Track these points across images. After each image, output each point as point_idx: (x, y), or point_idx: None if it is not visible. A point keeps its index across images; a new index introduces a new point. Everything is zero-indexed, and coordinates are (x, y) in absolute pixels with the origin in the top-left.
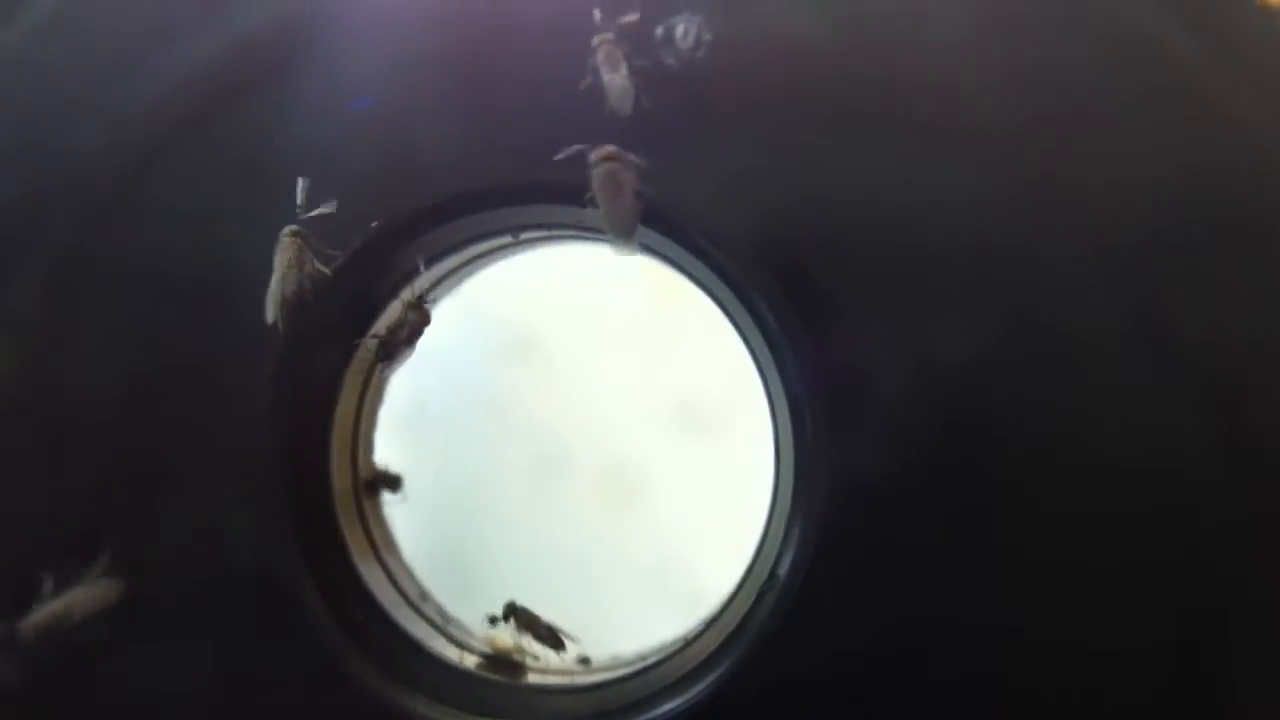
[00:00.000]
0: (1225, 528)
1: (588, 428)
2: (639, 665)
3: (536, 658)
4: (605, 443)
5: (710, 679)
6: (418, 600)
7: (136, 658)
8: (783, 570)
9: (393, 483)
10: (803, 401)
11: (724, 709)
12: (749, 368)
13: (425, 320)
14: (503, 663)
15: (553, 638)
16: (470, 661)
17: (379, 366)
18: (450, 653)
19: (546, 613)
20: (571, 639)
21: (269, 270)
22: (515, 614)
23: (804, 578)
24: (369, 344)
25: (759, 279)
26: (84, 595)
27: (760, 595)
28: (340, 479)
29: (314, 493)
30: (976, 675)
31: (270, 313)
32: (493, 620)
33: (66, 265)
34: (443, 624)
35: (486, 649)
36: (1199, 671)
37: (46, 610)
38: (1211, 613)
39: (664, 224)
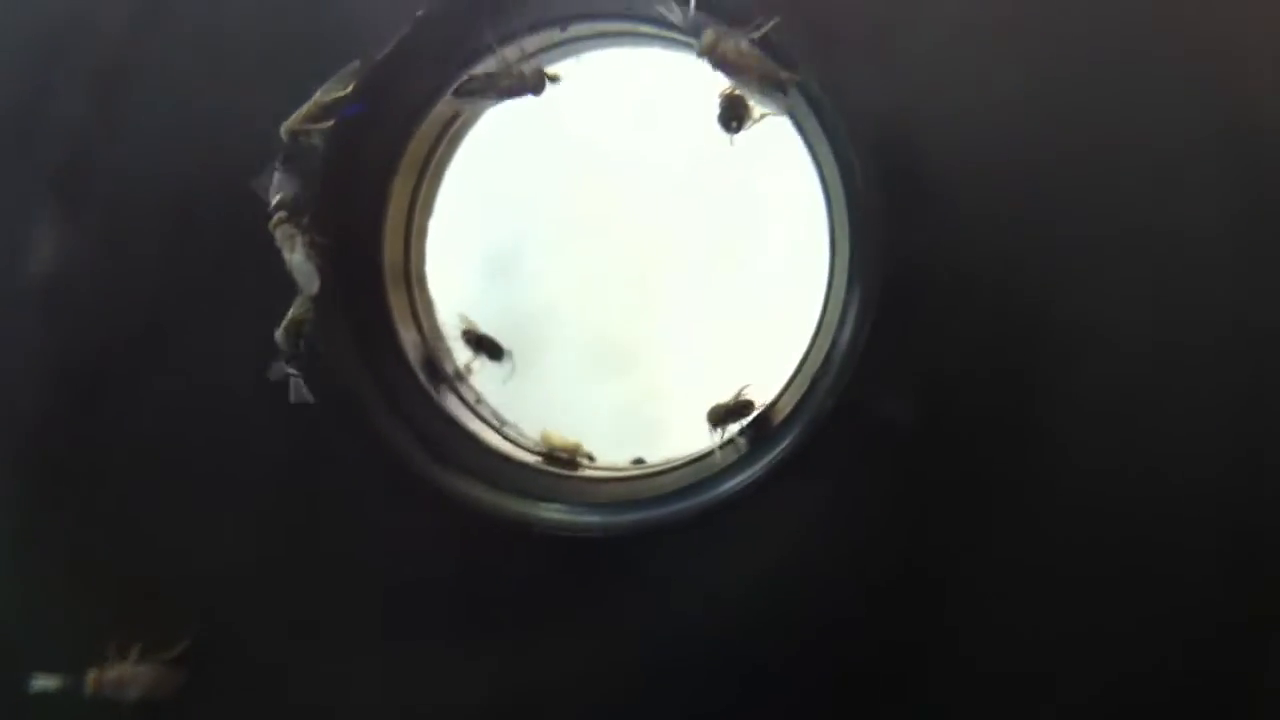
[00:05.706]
0: None
1: None
2: (694, 457)
3: (592, 457)
4: None
5: (769, 458)
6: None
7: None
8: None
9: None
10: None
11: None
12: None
13: (535, 86)
14: (558, 460)
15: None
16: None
17: (451, 101)
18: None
19: None
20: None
21: None
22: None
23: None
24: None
25: None
26: (147, 675)
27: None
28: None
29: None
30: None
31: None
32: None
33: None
34: (498, 424)
35: (541, 446)
36: None
37: (111, 674)
38: None
39: None
